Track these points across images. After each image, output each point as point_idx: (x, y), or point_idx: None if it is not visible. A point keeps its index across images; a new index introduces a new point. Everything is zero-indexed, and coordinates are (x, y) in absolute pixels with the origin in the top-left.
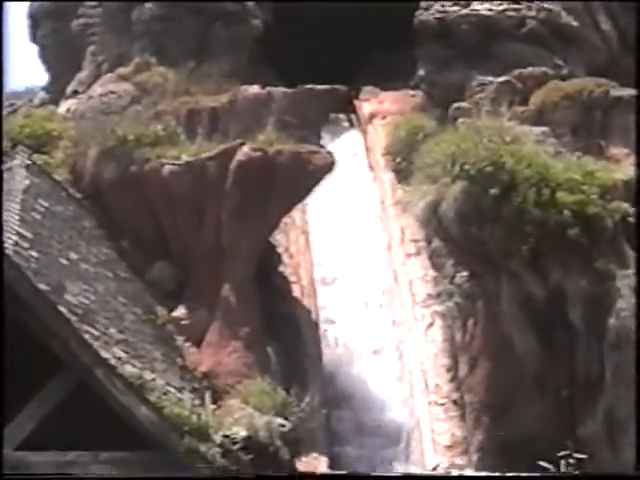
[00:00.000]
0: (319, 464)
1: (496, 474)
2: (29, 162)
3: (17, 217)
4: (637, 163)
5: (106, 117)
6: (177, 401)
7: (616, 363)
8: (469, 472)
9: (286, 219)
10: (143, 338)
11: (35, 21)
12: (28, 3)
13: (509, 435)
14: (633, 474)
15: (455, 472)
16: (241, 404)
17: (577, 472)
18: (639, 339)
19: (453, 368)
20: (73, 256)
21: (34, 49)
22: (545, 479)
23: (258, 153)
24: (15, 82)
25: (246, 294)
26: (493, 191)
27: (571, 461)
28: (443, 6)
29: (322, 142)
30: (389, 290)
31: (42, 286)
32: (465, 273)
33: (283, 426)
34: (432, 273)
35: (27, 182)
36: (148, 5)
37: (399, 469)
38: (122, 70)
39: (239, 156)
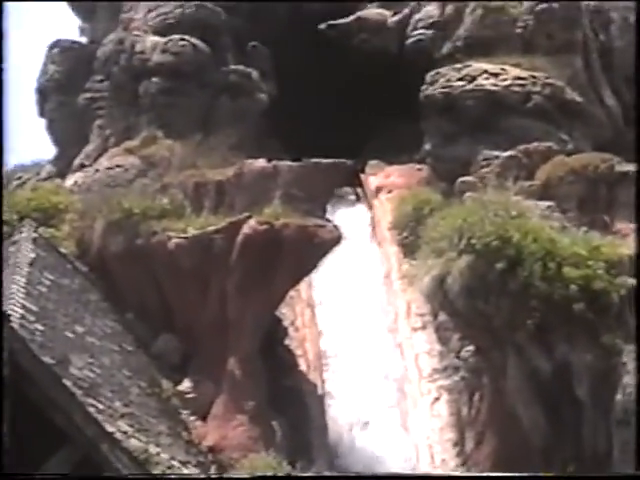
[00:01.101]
0: None
1: (496, 474)
2: (36, 235)
3: (23, 290)
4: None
5: (112, 190)
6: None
7: (624, 439)
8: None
9: (292, 292)
10: (148, 412)
11: (43, 95)
12: (36, 78)
13: None
14: (633, 474)
15: None
16: None
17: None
18: None
19: (459, 443)
20: (78, 329)
21: (42, 123)
22: (545, 479)
23: (264, 227)
24: (22, 156)
25: (252, 367)
26: (499, 265)
27: None
28: (448, 81)
29: (328, 216)
30: (395, 364)
31: (47, 359)
32: (471, 347)
33: None
34: (438, 347)
35: (33, 255)
36: (154, 79)
37: None
38: (129, 143)
39: (245, 229)
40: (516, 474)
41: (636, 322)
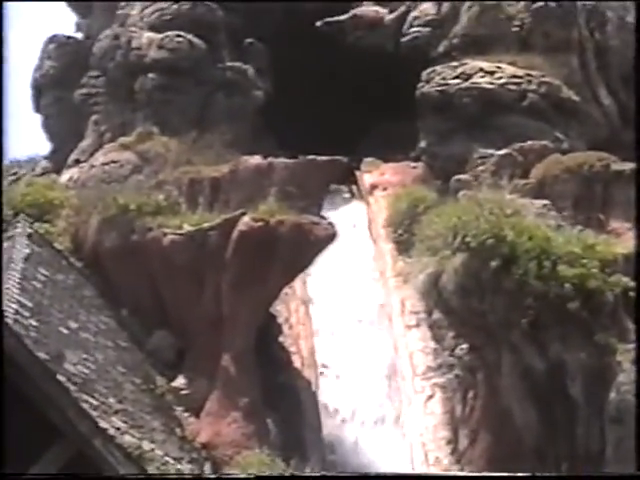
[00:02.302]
0: None
1: (496, 474)
2: (30, 231)
3: (18, 286)
4: (636, 235)
5: (108, 186)
6: (176, 472)
7: (617, 437)
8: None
9: (287, 289)
10: (142, 408)
11: (38, 91)
12: (31, 74)
13: None
14: (633, 474)
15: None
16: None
17: None
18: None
19: (453, 441)
20: (73, 325)
21: (37, 119)
22: (545, 479)
23: (259, 223)
24: (18, 151)
25: (246, 364)
26: (494, 263)
27: None
28: (444, 79)
29: (323, 213)
30: (389, 361)
31: (41, 355)
32: (465, 345)
33: None
34: (432, 345)
35: (28, 251)
36: (150, 75)
37: None
38: (124, 139)
39: (240, 226)
40: (513, 474)
41: (635, 323)
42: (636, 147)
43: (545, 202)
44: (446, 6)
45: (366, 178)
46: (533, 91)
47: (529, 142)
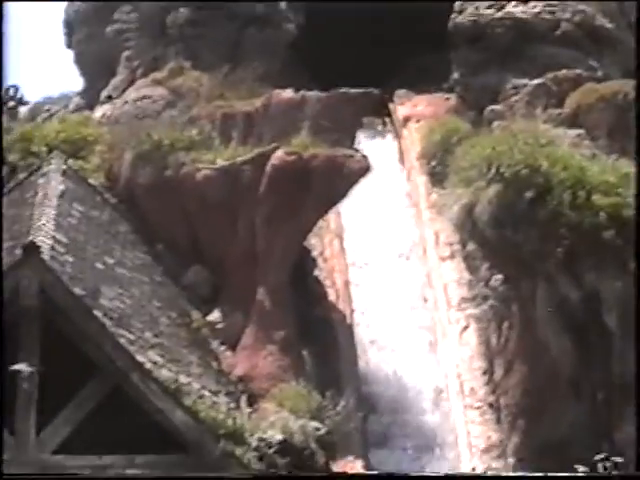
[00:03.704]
0: (354, 467)
1: (500, 474)
2: (64, 167)
3: (53, 222)
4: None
5: (141, 122)
6: (212, 405)
7: None
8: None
9: (320, 223)
10: (178, 342)
11: (70, 27)
12: (65, 7)
13: (545, 438)
14: (633, 474)
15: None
16: (276, 407)
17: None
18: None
19: (488, 371)
20: (108, 260)
21: (69, 55)
22: (549, 479)
23: (292, 157)
24: (50, 88)
25: (281, 298)
26: (528, 194)
27: (608, 464)
28: (477, 9)
29: (356, 145)
30: (423, 293)
31: (77, 290)
32: (500, 276)
33: (318, 429)
34: (467, 276)
35: (62, 187)
36: (182, 10)
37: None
38: (156, 75)
39: (274, 160)
40: (514, 474)
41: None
42: (637, 146)
43: (579, 131)
44: None
45: (399, 110)
46: (567, 20)
47: (563, 71)
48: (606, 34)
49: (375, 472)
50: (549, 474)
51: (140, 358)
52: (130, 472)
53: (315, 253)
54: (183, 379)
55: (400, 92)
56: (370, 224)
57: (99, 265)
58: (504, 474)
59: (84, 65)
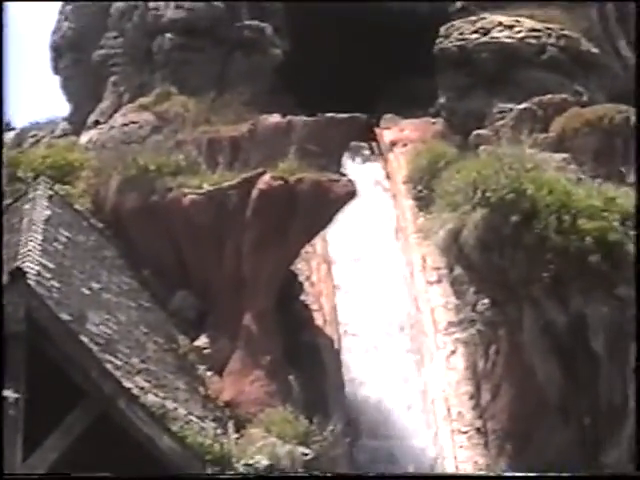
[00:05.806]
0: None
1: (496, 474)
2: (51, 192)
3: (39, 247)
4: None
5: (127, 147)
6: (199, 430)
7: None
8: None
9: (307, 248)
10: (165, 367)
11: (57, 52)
12: (49, 34)
13: (533, 462)
14: (633, 474)
15: None
16: (263, 433)
17: None
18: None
19: (475, 396)
20: (95, 286)
21: (56, 80)
22: (545, 479)
23: (279, 182)
24: (37, 113)
25: (268, 323)
26: (514, 218)
27: None
28: (463, 34)
29: (343, 170)
30: (410, 318)
31: (64, 316)
32: (487, 301)
33: (305, 455)
34: (454, 301)
35: (49, 212)
36: (168, 35)
37: None
38: (143, 100)
39: (260, 185)
40: (515, 474)
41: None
42: (637, 145)
43: (565, 156)
44: None
45: (386, 135)
46: (552, 44)
47: (548, 96)
48: (592, 59)
49: (375, 472)
50: (549, 474)
51: (127, 384)
52: None
53: (302, 278)
54: (170, 405)
55: (387, 117)
56: (356, 249)
57: (85, 290)
58: (504, 474)
59: (71, 90)
